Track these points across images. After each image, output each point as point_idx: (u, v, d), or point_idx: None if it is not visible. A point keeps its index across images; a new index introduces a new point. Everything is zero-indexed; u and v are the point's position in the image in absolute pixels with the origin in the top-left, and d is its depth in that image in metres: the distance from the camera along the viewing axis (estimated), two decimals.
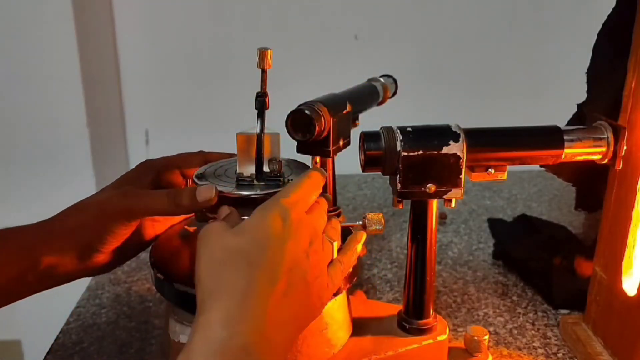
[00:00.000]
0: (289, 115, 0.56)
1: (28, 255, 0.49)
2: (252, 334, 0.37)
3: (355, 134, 0.57)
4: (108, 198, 0.51)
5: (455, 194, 0.50)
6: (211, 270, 0.39)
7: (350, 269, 0.51)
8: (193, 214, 0.53)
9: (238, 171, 0.52)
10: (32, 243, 0.49)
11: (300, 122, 0.54)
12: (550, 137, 0.52)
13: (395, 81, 0.79)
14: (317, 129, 0.55)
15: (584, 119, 0.60)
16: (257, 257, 0.39)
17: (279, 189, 0.49)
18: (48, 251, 0.49)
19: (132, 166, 0.57)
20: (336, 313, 0.53)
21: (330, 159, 0.65)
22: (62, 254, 0.49)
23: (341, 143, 0.60)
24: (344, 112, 0.61)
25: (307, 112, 0.54)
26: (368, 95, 0.71)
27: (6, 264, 0.48)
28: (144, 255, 0.85)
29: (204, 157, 0.58)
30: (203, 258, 0.40)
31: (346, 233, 0.57)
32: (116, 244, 0.51)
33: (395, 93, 0.79)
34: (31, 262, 0.49)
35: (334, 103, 0.59)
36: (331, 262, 0.48)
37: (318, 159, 0.60)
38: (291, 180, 0.51)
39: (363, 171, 0.51)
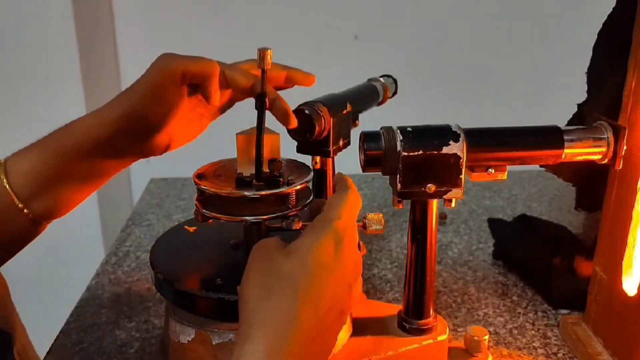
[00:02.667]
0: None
1: (92, 145, 0.50)
2: None
3: (355, 134, 0.57)
4: (150, 69, 0.52)
5: (455, 194, 0.50)
6: (258, 292, 0.39)
7: None
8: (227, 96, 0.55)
9: (238, 171, 0.52)
10: (94, 132, 0.50)
11: (300, 122, 0.54)
12: (550, 137, 0.52)
13: (395, 81, 0.79)
14: (317, 129, 0.55)
15: (584, 119, 0.60)
16: (304, 285, 0.39)
17: (278, 189, 0.49)
18: (107, 136, 0.50)
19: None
20: None
21: (330, 159, 0.65)
22: (119, 135, 0.50)
23: (341, 143, 0.60)
24: (344, 112, 0.61)
25: (307, 112, 0.54)
26: (368, 95, 0.71)
27: (76, 157, 0.50)
28: (144, 255, 0.86)
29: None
30: (252, 274, 0.40)
31: None
32: (168, 116, 0.51)
33: (395, 93, 0.80)
34: (95, 150, 0.51)
35: (334, 103, 0.59)
36: None
37: (318, 159, 0.60)
38: (291, 180, 0.51)
39: (363, 171, 0.51)
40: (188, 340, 0.49)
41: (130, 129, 0.51)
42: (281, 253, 0.40)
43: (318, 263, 0.39)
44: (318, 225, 0.41)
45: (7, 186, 0.49)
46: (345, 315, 0.42)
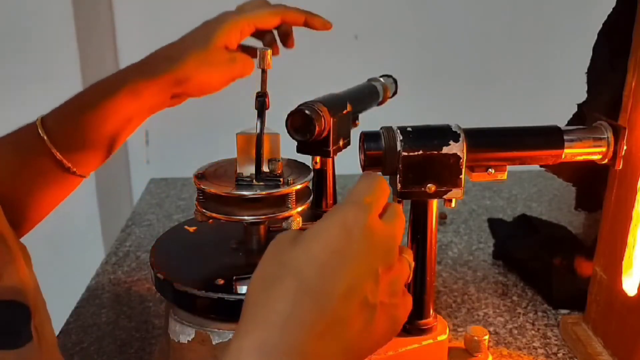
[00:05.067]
0: (289, 115, 0.56)
1: (132, 91, 0.54)
2: None
3: (355, 134, 0.57)
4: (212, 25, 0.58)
5: (455, 194, 0.50)
6: (259, 284, 0.35)
7: None
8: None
9: (238, 171, 0.52)
10: (135, 80, 0.55)
11: (300, 122, 0.54)
12: (550, 137, 0.52)
13: (395, 81, 0.79)
14: (317, 129, 0.55)
15: (584, 119, 0.60)
16: (307, 273, 0.34)
17: (278, 190, 0.49)
18: (146, 81, 0.54)
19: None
20: None
21: (330, 159, 0.65)
22: (157, 82, 0.54)
23: (341, 143, 0.60)
24: (344, 112, 0.61)
25: (307, 112, 0.54)
26: (368, 95, 0.71)
27: (118, 109, 0.54)
28: (144, 255, 0.86)
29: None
30: (258, 268, 0.36)
31: None
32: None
33: (395, 93, 0.80)
34: (134, 96, 0.54)
35: (334, 103, 0.59)
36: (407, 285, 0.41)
37: (318, 159, 0.60)
38: (291, 180, 0.51)
39: (363, 171, 0.51)
40: (188, 340, 0.49)
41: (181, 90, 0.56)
42: (290, 243, 0.36)
43: (326, 249, 0.35)
44: (332, 210, 0.37)
45: (46, 137, 0.52)
46: (384, 309, 0.36)
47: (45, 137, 0.52)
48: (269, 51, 0.49)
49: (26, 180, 0.53)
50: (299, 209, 0.51)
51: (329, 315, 0.33)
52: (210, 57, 0.56)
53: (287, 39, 0.62)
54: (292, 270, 0.34)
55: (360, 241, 0.35)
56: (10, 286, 0.42)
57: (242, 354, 0.32)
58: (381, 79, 0.77)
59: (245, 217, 0.50)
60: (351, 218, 0.36)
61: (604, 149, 0.52)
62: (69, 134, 0.53)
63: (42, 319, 0.45)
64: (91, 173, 0.57)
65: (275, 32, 0.63)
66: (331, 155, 0.58)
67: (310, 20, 0.61)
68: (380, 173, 0.51)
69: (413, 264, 0.41)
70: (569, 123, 0.65)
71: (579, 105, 0.66)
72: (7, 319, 0.42)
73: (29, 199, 0.54)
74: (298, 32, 0.64)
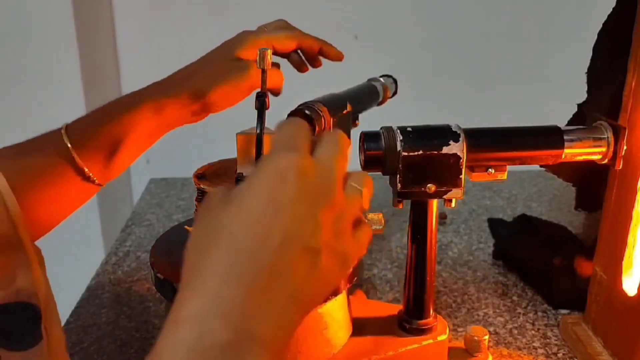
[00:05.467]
0: (288, 115, 0.56)
1: (154, 107, 0.57)
2: (228, 330, 0.30)
3: (355, 134, 0.57)
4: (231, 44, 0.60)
5: (455, 194, 0.50)
6: (194, 250, 0.33)
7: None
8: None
9: (238, 171, 0.52)
10: (156, 97, 0.57)
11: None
12: (550, 137, 0.52)
13: (395, 81, 0.79)
14: (317, 129, 0.55)
15: (584, 119, 0.60)
16: (243, 234, 0.32)
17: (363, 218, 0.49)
18: (167, 98, 0.57)
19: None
20: (336, 313, 0.53)
21: None
22: (177, 100, 0.57)
23: None
24: (344, 112, 0.61)
25: (307, 112, 0.54)
26: (368, 95, 0.71)
27: (139, 123, 0.56)
28: (144, 255, 0.86)
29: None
30: (193, 232, 0.34)
31: None
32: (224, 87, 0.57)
33: (395, 93, 0.79)
34: (155, 112, 0.57)
35: (334, 103, 0.59)
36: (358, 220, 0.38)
37: None
38: None
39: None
40: None
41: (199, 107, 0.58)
42: (221, 202, 0.34)
43: (259, 200, 0.33)
44: (262, 160, 0.35)
45: (69, 145, 0.54)
46: (322, 252, 0.34)
47: (69, 144, 0.54)
48: (269, 51, 0.49)
49: (47, 184, 0.54)
50: None
51: (267, 270, 0.32)
52: (225, 71, 0.58)
53: (313, 61, 0.66)
54: (225, 231, 0.33)
55: (295, 185, 0.33)
56: (23, 288, 0.43)
57: (179, 326, 0.31)
58: (381, 79, 0.77)
59: None
60: (283, 163, 0.34)
61: (604, 149, 0.52)
62: (91, 143, 0.55)
63: (52, 321, 0.46)
64: (107, 183, 0.59)
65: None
66: None
67: (325, 49, 0.63)
68: (380, 173, 0.51)
69: (365, 188, 0.38)
70: (569, 123, 0.65)
71: (579, 105, 0.66)
72: (20, 321, 0.43)
73: (47, 203, 0.55)
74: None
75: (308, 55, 0.65)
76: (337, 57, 0.64)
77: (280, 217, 0.33)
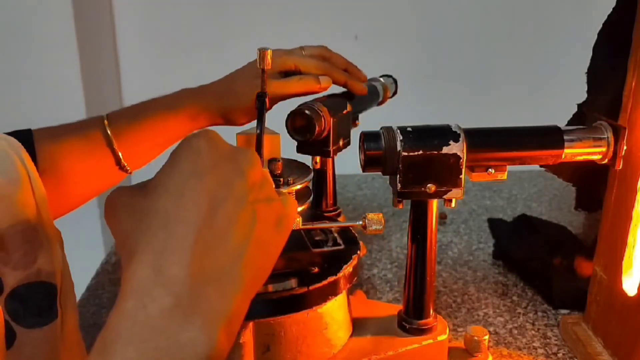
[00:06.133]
0: (289, 115, 0.56)
1: (189, 115, 0.63)
2: (172, 297, 0.30)
3: (355, 134, 0.57)
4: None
5: (455, 194, 0.50)
6: (130, 239, 0.33)
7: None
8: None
9: None
10: (192, 107, 0.63)
11: (300, 122, 0.54)
12: (550, 137, 0.52)
13: (395, 81, 0.79)
14: (317, 129, 0.55)
15: (584, 119, 0.60)
16: (171, 209, 0.32)
17: (278, 190, 0.49)
18: (201, 110, 0.63)
19: None
20: (336, 313, 0.53)
21: (330, 159, 0.65)
22: (209, 113, 0.64)
23: (341, 143, 0.60)
24: (344, 112, 0.61)
25: (307, 112, 0.54)
26: (368, 95, 0.71)
27: (174, 125, 0.63)
28: None
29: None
30: (117, 233, 0.34)
31: (345, 233, 0.57)
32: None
33: (395, 93, 0.80)
34: (190, 119, 0.63)
35: (334, 103, 0.59)
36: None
37: (318, 159, 0.61)
38: (291, 180, 0.51)
39: (363, 171, 0.51)
40: None
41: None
42: (138, 194, 0.34)
43: (180, 176, 0.33)
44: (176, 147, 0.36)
45: (109, 132, 0.60)
46: (256, 208, 0.34)
47: (109, 131, 0.60)
48: (269, 51, 0.49)
49: (84, 166, 0.60)
50: (299, 209, 0.51)
51: (203, 234, 0.32)
52: (251, 90, 0.62)
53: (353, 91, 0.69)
54: (153, 213, 0.32)
55: (210, 151, 0.34)
56: (44, 269, 0.46)
57: (124, 300, 0.30)
58: (381, 79, 0.77)
59: None
60: (195, 140, 0.34)
61: (604, 149, 0.52)
62: (129, 134, 0.61)
63: (67, 300, 0.48)
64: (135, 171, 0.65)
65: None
66: (331, 155, 0.58)
67: (350, 84, 0.67)
68: (380, 173, 0.51)
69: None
70: (569, 123, 0.65)
71: (579, 105, 0.66)
72: (39, 299, 0.46)
73: (81, 183, 0.61)
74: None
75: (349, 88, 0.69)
76: (361, 92, 0.68)
77: (204, 183, 0.33)
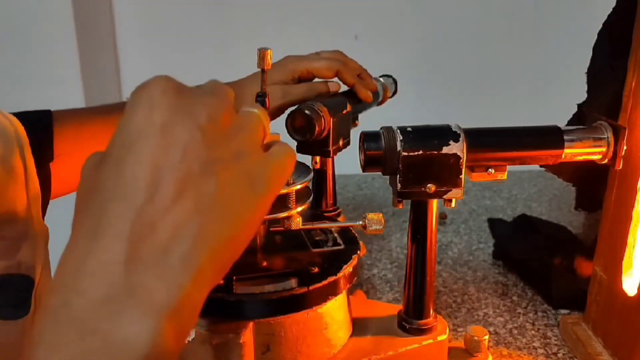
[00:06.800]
0: (289, 115, 0.56)
1: None
2: (101, 287, 0.25)
3: (355, 134, 0.57)
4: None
5: (455, 194, 0.50)
6: (79, 232, 0.28)
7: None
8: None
9: None
10: None
11: (300, 122, 0.54)
12: (550, 137, 0.52)
13: (395, 81, 0.79)
14: (317, 129, 0.55)
15: (584, 119, 0.60)
16: (109, 182, 0.27)
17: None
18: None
19: None
20: (336, 313, 0.53)
21: (330, 159, 0.65)
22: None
23: (341, 143, 0.60)
24: (344, 112, 0.61)
25: (307, 112, 0.54)
26: None
27: None
28: None
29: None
30: (77, 212, 0.29)
31: (345, 233, 0.57)
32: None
33: (395, 93, 0.80)
34: None
35: (334, 103, 0.59)
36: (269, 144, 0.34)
37: (318, 158, 0.60)
38: (291, 180, 0.51)
39: (363, 171, 0.51)
40: (188, 340, 0.49)
41: None
42: (95, 164, 0.29)
43: (118, 140, 0.28)
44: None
45: None
46: (215, 176, 0.28)
47: None
48: (269, 51, 0.49)
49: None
50: (299, 209, 0.51)
51: (144, 212, 0.26)
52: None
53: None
54: (94, 189, 0.28)
55: (163, 105, 0.28)
56: (24, 261, 0.45)
57: (47, 297, 0.26)
58: (381, 79, 0.77)
59: None
60: (145, 92, 0.29)
61: (604, 149, 0.52)
62: None
63: (42, 296, 0.48)
64: None
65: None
66: (331, 155, 0.58)
67: (357, 88, 0.68)
68: (380, 173, 0.51)
69: (261, 110, 0.33)
70: (569, 123, 0.65)
71: (579, 105, 0.66)
72: (17, 291, 0.45)
73: None
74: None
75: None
76: (366, 98, 0.69)
77: (147, 148, 0.27)
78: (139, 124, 0.28)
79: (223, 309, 0.48)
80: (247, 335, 0.48)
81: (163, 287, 0.26)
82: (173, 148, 0.28)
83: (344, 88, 0.68)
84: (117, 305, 0.25)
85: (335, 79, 0.68)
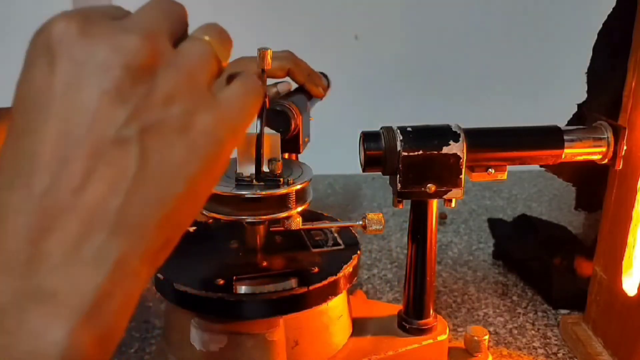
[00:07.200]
0: (268, 111, 0.56)
1: None
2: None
3: (355, 134, 0.57)
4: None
5: (455, 194, 0.50)
6: None
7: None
8: None
9: (238, 171, 0.52)
10: None
11: (279, 119, 0.54)
12: (550, 137, 0.52)
13: (327, 77, 0.78)
14: (292, 125, 0.55)
15: (584, 119, 0.60)
16: (9, 162, 0.23)
17: (278, 190, 0.49)
18: None
19: None
20: (336, 313, 0.53)
21: (296, 155, 0.65)
22: None
23: (306, 139, 0.60)
24: (307, 108, 0.61)
25: (283, 109, 0.54)
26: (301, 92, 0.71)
27: None
28: None
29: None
30: None
31: (345, 233, 0.57)
32: None
33: (329, 86, 0.78)
34: None
35: (297, 100, 0.59)
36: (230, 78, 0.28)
37: (287, 155, 0.60)
38: (290, 180, 0.51)
39: (363, 171, 0.51)
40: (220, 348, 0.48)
41: None
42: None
43: (18, 102, 0.25)
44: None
45: None
46: (142, 136, 0.23)
47: None
48: (269, 51, 0.49)
49: None
50: (299, 209, 0.51)
51: (48, 196, 0.22)
52: None
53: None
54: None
55: (65, 56, 0.23)
56: None
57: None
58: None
59: (245, 217, 0.49)
60: (51, 35, 0.24)
61: (604, 149, 0.52)
62: None
63: None
64: None
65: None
66: (301, 151, 0.58)
67: (308, 87, 0.68)
68: (380, 173, 0.51)
69: (213, 38, 0.28)
70: (569, 123, 0.65)
71: (579, 105, 0.66)
72: None
73: None
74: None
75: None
76: (317, 95, 0.68)
77: (50, 114, 0.23)
78: (36, 86, 0.23)
79: (223, 308, 0.48)
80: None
81: (73, 288, 0.22)
82: (79, 114, 0.22)
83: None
84: (20, 314, 0.21)
85: (287, 78, 0.68)
